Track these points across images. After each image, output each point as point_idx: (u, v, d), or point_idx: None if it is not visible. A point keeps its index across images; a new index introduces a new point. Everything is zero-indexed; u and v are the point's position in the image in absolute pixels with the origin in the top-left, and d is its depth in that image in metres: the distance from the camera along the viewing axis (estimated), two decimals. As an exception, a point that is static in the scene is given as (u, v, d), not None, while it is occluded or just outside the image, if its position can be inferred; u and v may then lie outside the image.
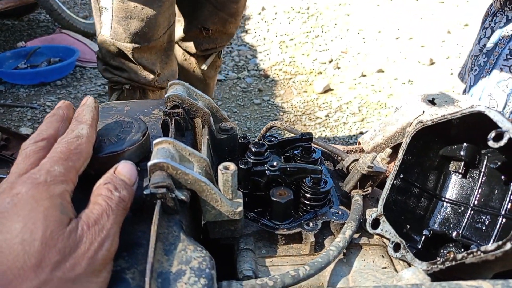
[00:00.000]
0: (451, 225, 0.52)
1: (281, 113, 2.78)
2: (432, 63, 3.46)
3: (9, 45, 3.56)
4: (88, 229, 0.37)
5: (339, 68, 3.32)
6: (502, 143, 0.42)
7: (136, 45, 1.43)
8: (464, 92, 1.95)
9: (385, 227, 0.50)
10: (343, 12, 4.49)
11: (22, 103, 2.68)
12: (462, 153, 0.52)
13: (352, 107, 2.79)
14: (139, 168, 0.47)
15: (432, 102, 0.69)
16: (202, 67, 1.88)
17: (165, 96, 0.58)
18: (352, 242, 0.53)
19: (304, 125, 2.63)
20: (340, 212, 0.56)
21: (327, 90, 2.99)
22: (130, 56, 1.45)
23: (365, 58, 3.49)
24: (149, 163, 0.44)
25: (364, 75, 3.21)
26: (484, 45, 1.85)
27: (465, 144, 0.52)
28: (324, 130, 2.56)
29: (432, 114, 0.67)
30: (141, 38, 1.44)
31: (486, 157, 0.51)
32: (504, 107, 1.81)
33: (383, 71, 3.29)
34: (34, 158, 0.43)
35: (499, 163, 0.47)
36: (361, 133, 2.51)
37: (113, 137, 0.50)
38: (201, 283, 0.39)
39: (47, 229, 0.35)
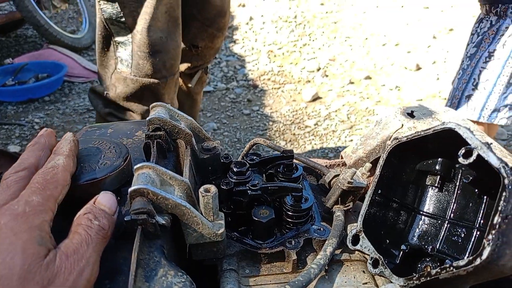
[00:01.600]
0: (429, 238, 0.53)
1: (271, 123, 2.80)
2: (419, 69, 3.51)
3: (-4, 62, 3.55)
4: (67, 259, 0.38)
5: (327, 76, 3.35)
6: (471, 159, 0.43)
7: (163, 80, 1.36)
8: (450, 95, 1.98)
9: (364, 243, 0.51)
10: (330, 20, 4.54)
11: (10, 121, 2.67)
12: (437, 167, 0.54)
13: (340, 115, 2.81)
14: (119, 198, 0.48)
15: (410, 115, 0.71)
16: (189, 85, 1.86)
17: (147, 119, 0.58)
18: (334, 258, 0.54)
19: (294, 134, 2.65)
20: (321, 229, 0.56)
21: (315, 98, 3.02)
22: (159, 91, 1.37)
23: (353, 66, 3.53)
24: (130, 190, 0.44)
25: (352, 83, 3.25)
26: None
27: (440, 158, 0.53)
28: (313, 139, 2.58)
29: (411, 127, 0.68)
30: (168, 72, 1.37)
31: (460, 171, 0.53)
32: (482, 109, 1.85)
33: (370, 78, 3.33)
34: (15, 188, 0.43)
35: (471, 178, 0.49)
36: (351, 141, 2.53)
37: (95, 163, 0.50)
38: (181, 308, 0.39)
39: (25, 262, 0.35)
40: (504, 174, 0.40)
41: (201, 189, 0.48)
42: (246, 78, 3.38)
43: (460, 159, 0.44)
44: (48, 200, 0.42)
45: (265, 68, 3.51)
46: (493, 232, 0.39)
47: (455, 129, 0.46)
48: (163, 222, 0.45)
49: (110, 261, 0.44)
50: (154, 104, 0.62)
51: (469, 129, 0.45)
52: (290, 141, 2.57)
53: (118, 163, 0.51)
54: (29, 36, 4.21)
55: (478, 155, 0.43)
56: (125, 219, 0.43)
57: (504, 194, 0.40)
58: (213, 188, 0.49)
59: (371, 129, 0.71)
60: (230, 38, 4.22)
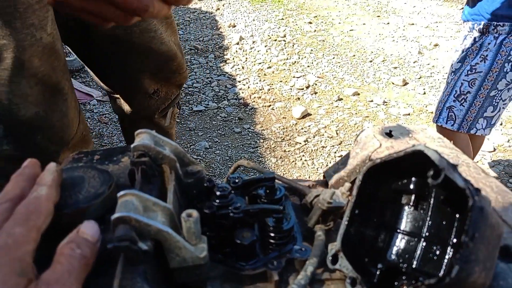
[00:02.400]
0: (407, 255, 0.55)
1: (261, 140, 2.83)
2: (405, 84, 3.57)
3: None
4: None
5: (316, 93, 3.40)
6: (439, 180, 0.45)
7: (55, 154, 1.17)
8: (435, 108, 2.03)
9: (343, 263, 0.53)
10: (318, 39, 4.63)
11: None
12: (411, 187, 0.56)
13: (330, 131, 2.85)
14: (102, 227, 0.49)
15: (389, 134, 0.73)
16: (165, 125, 1.77)
17: (132, 146, 0.60)
18: (315, 277, 0.55)
19: (284, 151, 2.67)
20: (303, 249, 0.58)
21: (305, 115, 3.06)
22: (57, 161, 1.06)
23: (341, 82, 3.59)
24: (112, 217, 0.46)
25: (341, 99, 3.30)
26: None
27: (413, 178, 0.55)
28: (303, 155, 2.60)
29: (389, 147, 0.71)
30: (58, 145, 1.17)
31: (434, 190, 0.55)
32: (463, 120, 1.91)
33: (358, 94, 3.38)
34: None
35: (442, 197, 0.51)
36: (340, 156, 2.56)
37: (79, 192, 0.52)
38: (164, 333, 0.40)
39: None
40: (469, 195, 0.42)
41: (183, 214, 0.50)
42: (237, 97, 3.42)
43: (429, 180, 0.47)
44: (31, 231, 0.43)
45: (256, 86, 3.56)
46: (461, 251, 0.41)
47: (424, 151, 0.48)
48: (146, 248, 0.46)
49: (93, 287, 0.45)
50: (139, 131, 0.64)
51: (436, 151, 0.47)
52: (280, 158, 2.59)
53: (102, 190, 0.52)
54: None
55: (445, 176, 0.45)
56: (108, 246, 0.44)
57: (470, 214, 0.42)
58: (195, 213, 0.50)
59: (351, 148, 0.73)
60: (221, 58, 4.28)
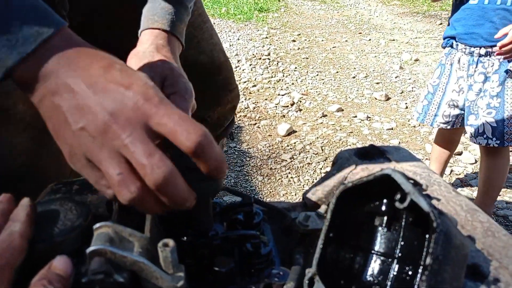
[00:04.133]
0: (381, 276, 0.56)
1: (248, 159, 2.84)
2: (388, 98, 3.63)
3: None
4: None
5: (300, 110, 3.44)
6: (405, 204, 0.47)
7: None
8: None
9: (319, 287, 0.54)
10: (302, 56, 4.70)
11: None
12: (383, 208, 0.57)
13: (315, 148, 2.87)
14: (78, 259, 0.50)
15: (364, 155, 0.75)
16: None
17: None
18: (292, 303, 0.56)
19: (270, 168, 2.68)
20: (281, 273, 0.59)
21: (290, 132, 3.08)
22: None
23: (325, 99, 3.64)
24: (87, 251, 0.46)
25: (325, 115, 3.34)
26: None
27: (385, 200, 0.57)
28: (289, 172, 2.62)
29: (364, 168, 0.72)
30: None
31: (405, 212, 0.56)
32: (425, 115, 2.05)
33: (342, 110, 3.43)
34: None
35: (411, 219, 0.53)
36: (325, 172, 2.58)
37: (54, 225, 0.52)
38: None
39: None
40: (433, 218, 0.44)
41: (160, 244, 0.50)
42: (222, 116, 3.44)
43: (397, 204, 0.48)
44: (4, 270, 0.43)
45: (241, 105, 3.58)
46: (426, 273, 0.42)
47: (391, 175, 0.50)
48: (122, 280, 0.47)
49: (70, 323, 0.45)
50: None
51: (403, 174, 0.49)
52: (267, 175, 2.61)
53: (79, 223, 0.52)
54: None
55: (411, 200, 0.47)
56: (82, 280, 0.45)
57: (433, 236, 0.43)
58: (171, 242, 0.51)
59: (330, 170, 0.75)
60: (206, 77, 4.30)
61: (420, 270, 0.52)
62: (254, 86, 3.94)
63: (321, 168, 2.62)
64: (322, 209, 0.64)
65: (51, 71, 0.46)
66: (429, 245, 0.43)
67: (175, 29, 0.86)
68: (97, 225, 0.50)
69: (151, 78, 0.49)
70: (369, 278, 0.57)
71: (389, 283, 0.54)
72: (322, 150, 2.83)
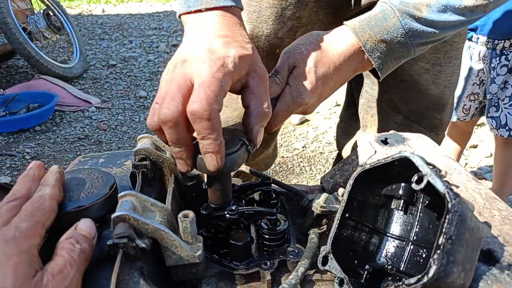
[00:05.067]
0: (395, 258, 0.57)
1: (261, 147, 2.85)
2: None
3: (-12, 92, 3.59)
4: (53, 278, 0.42)
5: (315, 100, 3.43)
6: (422, 185, 0.48)
7: None
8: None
9: (332, 264, 0.55)
10: (318, 47, 4.65)
11: (0, 151, 2.68)
12: (400, 192, 0.58)
13: (328, 137, 2.87)
14: (98, 225, 0.52)
15: (384, 142, 0.76)
16: None
17: (134, 150, 0.63)
18: (306, 278, 0.57)
19: (282, 157, 2.69)
20: (296, 251, 0.60)
21: (303, 121, 3.08)
22: None
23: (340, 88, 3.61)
24: (112, 216, 0.48)
25: (339, 105, 3.32)
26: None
27: (403, 184, 0.58)
28: (301, 161, 2.62)
29: (384, 154, 0.73)
30: None
31: (422, 196, 0.57)
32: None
33: (357, 102, 3.41)
34: (7, 216, 0.47)
35: (427, 202, 0.53)
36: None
37: (82, 192, 0.54)
38: (160, 326, 0.43)
39: (16, 282, 0.39)
40: (448, 199, 0.45)
41: (180, 215, 0.52)
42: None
43: (413, 185, 0.49)
44: (36, 226, 0.46)
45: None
46: (438, 252, 0.43)
47: (409, 157, 0.51)
48: (143, 245, 0.49)
49: (93, 282, 0.47)
50: (141, 136, 0.66)
51: (421, 157, 0.50)
52: (279, 164, 2.62)
53: (104, 191, 0.55)
54: (20, 66, 4.27)
55: (428, 181, 0.48)
56: (107, 243, 0.47)
57: (448, 216, 0.44)
58: (191, 214, 0.53)
59: (348, 155, 0.75)
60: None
61: (433, 253, 0.53)
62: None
63: (333, 158, 2.62)
64: (340, 192, 0.65)
65: (187, 28, 0.63)
66: (443, 225, 0.44)
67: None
68: (122, 193, 0.52)
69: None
70: (382, 259, 0.58)
71: (402, 265, 0.55)
72: (335, 139, 2.82)
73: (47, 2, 4.04)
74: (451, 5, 0.75)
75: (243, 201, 0.68)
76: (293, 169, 2.55)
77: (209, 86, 0.53)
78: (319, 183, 0.82)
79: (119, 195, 0.52)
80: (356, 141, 0.81)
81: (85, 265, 0.46)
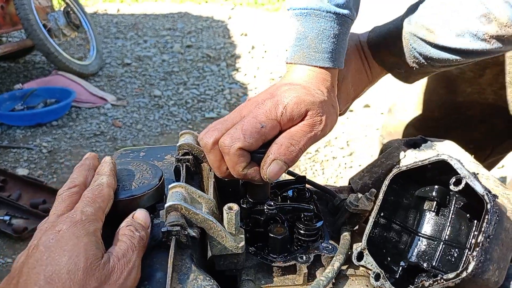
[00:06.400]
0: (426, 257, 0.60)
1: (273, 150, 2.87)
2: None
3: (6, 87, 3.66)
4: (118, 261, 0.45)
5: (328, 106, 3.46)
6: (460, 187, 0.51)
7: None
8: None
9: (368, 260, 0.58)
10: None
11: (18, 144, 2.73)
12: (434, 194, 0.61)
13: (340, 142, 2.89)
14: (153, 214, 0.55)
15: (413, 145, 0.79)
16: None
17: (177, 144, 0.66)
18: (340, 273, 0.60)
19: (295, 161, 2.72)
20: (330, 246, 0.63)
21: (316, 127, 3.10)
22: None
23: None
24: (166, 205, 0.52)
25: (351, 110, 3.34)
26: None
27: (436, 186, 0.60)
28: (314, 165, 2.65)
29: (413, 157, 0.76)
30: None
31: (454, 198, 0.60)
32: None
33: (369, 106, 3.43)
34: (68, 201, 0.50)
35: (462, 203, 0.56)
36: (350, 167, 2.60)
37: (134, 182, 0.57)
38: (211, 307, 0.46)
39: (87, 261, 0.42)
40: (487, 200, 0.47)
41: (225, 207, 0.55)
42: (249, 105, 3.48)
43: (451, 187, 0.52)
44: (98, 211, 0.49)
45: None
46: (477, 249, 0.46)
47: (447, 160, 0.53)
48: (194, 234, 0.52)
49: (148, 267, 0.50)
50: (183, 131, 0.70)
51: (459, 160, 0.53)
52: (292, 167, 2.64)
53: (154, 182, 0.58)
54: (37, 62, 4.34)
55: (466, 183, 0.50)
56: (161, 230, 0.50)
57: (487, 217, 0.47)
58: (235, 206, 0.56)
59: (376, 158, 0.78)
60: (233, 66, 4.35)
61: (466, 252, 0.56)
62: (281, 77, 3.97)
63: (346, 163, 2.64)
64: (371, 192, 0.68)
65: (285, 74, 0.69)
66: (482, 224, 0.47)
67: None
68: (173, 184, 0.55)
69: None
70: (414, 257, 0.61)
71: (434, 263, 0.58)
72: (347, 145, 2.85)
73: (67, 0, 4.11)
74: (470, 31, 0.68)
75: (279, 197, 0.70)
76: (306, 173, 2.58)
77: (243, 125, 0.57)
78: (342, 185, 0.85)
79: (170, 186, 0.55)
80: (385, 144, 0.84)
81: (142, 251, 0.49)
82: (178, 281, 0.48)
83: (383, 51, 0.81)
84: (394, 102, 1.29)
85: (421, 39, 0.73)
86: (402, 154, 0.74)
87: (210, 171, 0.69)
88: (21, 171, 2.40)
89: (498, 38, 0.66)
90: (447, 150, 0.75)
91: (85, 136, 2.86)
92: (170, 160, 0.72)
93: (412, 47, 0.75)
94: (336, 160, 2.69)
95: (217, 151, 0.60)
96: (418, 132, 1.17)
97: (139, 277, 0.47)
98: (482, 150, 0.86)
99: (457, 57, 0.72)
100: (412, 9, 0.75)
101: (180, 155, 0.66)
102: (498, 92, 1.02)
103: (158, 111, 3.28)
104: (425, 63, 0.76)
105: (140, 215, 0.53)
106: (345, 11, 0.65)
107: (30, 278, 0.41)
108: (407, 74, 0.82)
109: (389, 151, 0.78)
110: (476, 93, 1.04)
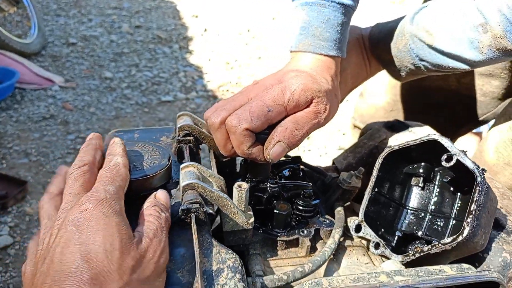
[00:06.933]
0: (415, 227, 0.66)
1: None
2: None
3: None
4: (151, 241, 0.46)
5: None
6: (452, 163, 0.57)
7: None
8: None
9: (366, 231, 0.63)
10: (284, 35, 4.74)
11: (-43, 128, 2.53)
12: (420, 170, 0.67)
13: (315, 132, 2.97)
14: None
15: (391, 128, 0.85)
16: None
17: (178, 126, 0.67)
18: (339, 244, 0.65)
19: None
20: (327, 221, 0.67)
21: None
22: None
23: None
24: (182, 184, 0.53)
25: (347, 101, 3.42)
26: None
27: (423, 163, 0.67)
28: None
29: (394, 139, 0.82)
30: None
31: (439, 174, 0.66)
32: None
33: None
34: (82, 180, 0.50)
35: (448, 178, 0.63)
36: (320, 156, 2.68)
37: (144, 162, 0.58)
38: (237, 277, 0.49)
39: (121, 240, 0.43)
40: (477, 174, 0.54)
41: (236, 185, 0.57)
42: (205, 88, 3.46)
43: (443, 163, 0.58)
44: (119, 190, 0.49)
45: (223, 79, 3.61)
46: (471, 216, 0.52)
47: (438, 140, 0.59)
48: (211, 211, 0.54)
49: (170, 243, 0.52)
50: (181, 113, 0.70)
51: (449, 139, 0.59)
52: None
53: (164, 162, 0.58)
54: (-29, 38, 3.98)
55: (457, 160, 0.56)
56: (181, 207, 0.51)
57: (478, 188, 0.53)
58: (245, 185, 0.58)
59: (359, 139, 0.83)
60: (186, 48, 4.28)
61: (451, 222, 0.63)
62: (236, 61, 3.97)
63: (320, 155, 2.70)
64: (360, 171, 0.73)
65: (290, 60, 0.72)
66: (473, 195, 0.53)
67: None
68: (185, 164, 0.56)
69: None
70: (403, 228, 0.67)
71: (420, 233, 0.64)
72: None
73: (4, -28, 3.79)
74: (467, 38, 0.70)
75: (277, 176, 0.74)
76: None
77: (251, 107, 0.60)
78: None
79: (182, 165, 0.56)
80: (365, 126, 0.89)
81: (167, 230, 0.50)
82: (203, 255, 0.50)
83: (382, 48, 0.84)
84: (365, 87, 1.36)
85: (420, 40, 0.76)
86: (383, 135, 0.80)
87: (210, 151, 0.70)
88: (-35, 156, 2.23)
89: (491, 48, 0.68)
90: (422, 132, 0.81)
91: (33, 119, 2.70)
92: (166, 141, 0.72)
93: (411, 47, 0.78)
94: (311, 152, 2.76)
95: (224, 130, 0.61)
96: (387, 114, 1.25)
97: (168, 256, 0.48)
98: (444, 134, 0.95)
99: (450, 64, 0.74)
100: (416, 11, 0.78)
101: (181, 136, 0.66)
102: (460, 79, 1.11)
103: (111, 94, 3.15)
104: (420, 65, 0.79)
105: (162, 195, 0.53)
106: (349, 1, 0.68)
107: (66, 257, 0.41)
108: (400, 73, 0.85)
109: (370, 133, 0.83)
110: (441, 79, 1.13)
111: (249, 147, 0.61)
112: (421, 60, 0.78)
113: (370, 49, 0.87)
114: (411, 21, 0.78)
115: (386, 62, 0.85)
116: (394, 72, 0.86)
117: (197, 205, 0.52)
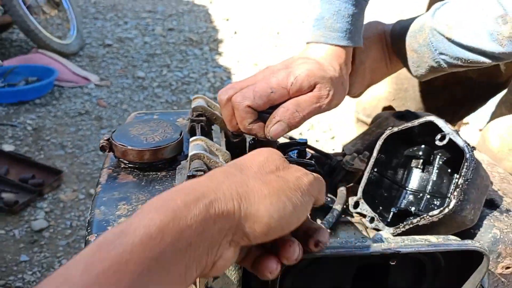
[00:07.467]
0: (413, 207, 0.69)
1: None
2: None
3: (-16, 63, 3.56)
4: None
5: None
6: (444, 142, 0.59)
7: None
8: None
9: (363, 207, 0.66)
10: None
11: (1, 121, 2.70)
12: (420, 153, 0.70)
13: (323, 126, 2.99)
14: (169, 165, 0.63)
15: (401, 117, 0.87)
16: None
17: (192, 106, 0.72)
18: (338, 220, 0.69)
19: (279, 143, 2.80)
20: (329, 199, 0.71)
21: (299, 111, 3.18)
22: None
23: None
24: (190, 154, 0.58)
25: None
26: None
27: (422, 146, 0.70)
28: (297, 148, 2.73)
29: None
30: None
31: (438, 156, 0.69)
32: None
33: (350, 95, 3.53)
34: None
35: (445, 159, 0.65)
36: (333, 150, 2.71)
37: (158, 135, 0.64)
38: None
39: None
40: (466, 151, 0.56)
41: (241, 160, 0.62)
42: (233, 89, 3.53)
43: (437, 142, 0.61)
44: None
45: (251, 80, 3.67)
46: (457, 190, 0.55)
47: (434, 120, 0.62)
48: (215, 180, 0.59)
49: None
50: (196, 96, 0.76)
51: (443, 120, 0.62)
52: (274, 149, 2.72)
53: (176, 136, 0.64)
54: (14, 40, 4.23)
55: (450, 139, 0.59)
56: (187, 174, 0.57)
57: (466, 164, 0.56)
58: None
59: (368, 127, 0.87)
60: (216, 50, 4.38)
61: (447, 201, 0.65)
62: (264, 62, 4.04)
63: (329, 145, 2.74)
64: (364, 155, 0.76)
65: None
66: (462, 170, 0.56)
67: None
68: (194, 137, 0.62)
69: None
70: (404, 207, 0.70)
71: (415, 208, 0.67)
72: (329, 128, 2.95)
73: (47, -23, 4.02)
74: (486, 30, 0.69)
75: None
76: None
77: (256, 87, 0.65)
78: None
79: (191, 139, 0.62)
80: (375, 116, 0.92)
81: None
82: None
83: (403, 43, 0.84)
84: None
85: (439, 33, 0.76)
86: (391, 123, 0.82)
87: (221, 132, 0.76)
88: (7, 147, 2.38)
89: (511, 40, 0.68)
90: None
91: (69, 114, 2.85)
92: (182, 122, 0.78)
93: (430, 41, 0.78)
94: (319, 143, 2.78)
95: (230, 107, 0.66)
96: (390, 104, 1.26)
97: None
98: (443, 116, 0.95)
99: (470, 57, 0.74)
100: (438, 7, 0.79)
101: (194, 116, 0.72)
102: None
103: (143, 92, 3.29)
104: (439, 60, 0.78)
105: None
106: None
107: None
108: (420, 70, 0.84)
109: (379, 121, 0.86)
110: None
111: (250, 123, 0.65)
112: (441, 53, 0.78)
113: (391, 44, 0.88)
114: (432, 16, 0.79)
115: (406, 58, 0.85)
116: (414, 68, 0.85)
117: (202, 173, 0.57)
